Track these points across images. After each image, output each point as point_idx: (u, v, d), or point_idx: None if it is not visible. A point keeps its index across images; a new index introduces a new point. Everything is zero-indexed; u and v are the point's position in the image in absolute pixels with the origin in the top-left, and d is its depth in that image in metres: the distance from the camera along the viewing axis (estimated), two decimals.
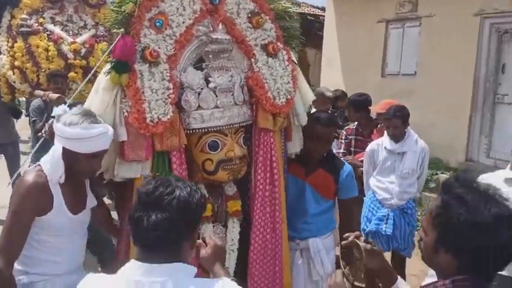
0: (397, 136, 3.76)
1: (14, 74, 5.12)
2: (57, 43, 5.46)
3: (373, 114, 4.48)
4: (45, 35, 5.44)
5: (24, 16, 5.36)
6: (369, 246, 1.77)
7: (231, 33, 2.37)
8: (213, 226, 2.41)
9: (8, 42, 5.25)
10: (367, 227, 3.93)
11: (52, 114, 2.09)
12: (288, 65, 2.49)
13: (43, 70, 5.25)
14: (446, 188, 1.38)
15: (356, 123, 4.53)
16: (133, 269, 1.42)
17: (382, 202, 3.86)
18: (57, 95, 4.42)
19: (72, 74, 5.36)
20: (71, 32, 5.78)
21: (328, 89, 5.40)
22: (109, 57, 2.19)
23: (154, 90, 2.13)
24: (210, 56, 2.29)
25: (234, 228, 2.47)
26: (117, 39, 2.08)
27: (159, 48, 2.17)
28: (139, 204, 1.43)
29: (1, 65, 5.13)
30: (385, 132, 3.88)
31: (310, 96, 2.70)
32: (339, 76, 8.97)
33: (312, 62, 12.46)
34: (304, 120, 2.63)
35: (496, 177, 2.79)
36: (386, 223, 3.80)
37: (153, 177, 1.53)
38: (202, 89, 2.26)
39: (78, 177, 2.14)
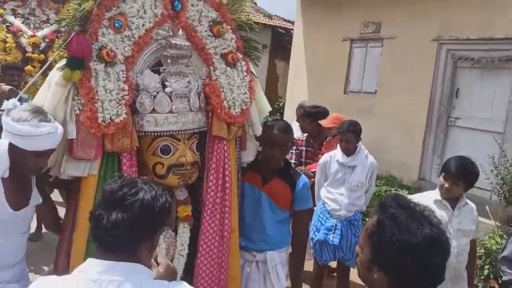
0: (349, 150, 3.88)
1: None
2: (16, 35, 5.37)
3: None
4: (4, 26, 5.33)
5: None
6: None
7: (191, 40, 2.37)
8: (163, 230, 2.39)
9: None
10: (315, 236, 4.00)
11: (1, 108, 2.04)
12: (246, 76, 2.51)
13: None
14: (383, 207, 1.40)
15: (306, 134, 4.69)
16: (91, 266, 1.39)
17: (331, 213, 3.94)
18: (9, 87, 4.32)
19: (29, 67, 5.27)
20: (32, 25, 5.68)
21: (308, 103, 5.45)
22: (64, 52, 2.16)
23: (108, 91, 2.11)
24: (169, 60, 2.29)
25: (184, 234, 2.45)
26: (71, 36, 2.06)
27: (116, 48, 2.16)
28: (102, 202, 1.43)
29: None
30: (338, 145, 4.00)
31: (267, 107, 2.71)
32: (304, 89, 9.12)
33: (281, 74, 12.61)
34: (258, 131, 2.63)
35: (427, 199, 2.86)
36: (334, 233, 3.88)
37: (120, 177, 1.51)
38: (158, 92, 2.25)
39: (23, 173, 2.09)
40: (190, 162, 2.30)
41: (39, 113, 1.99)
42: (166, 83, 2.28)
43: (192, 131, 2.33)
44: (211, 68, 2.43)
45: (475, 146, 6.03)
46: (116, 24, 2.14)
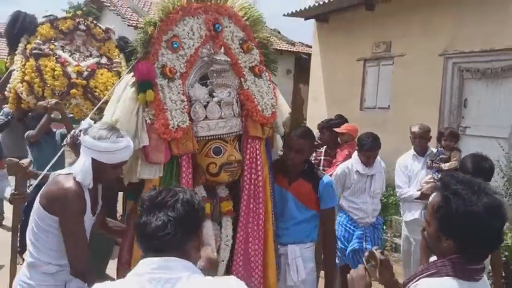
0: (373, 162, 4.05)
1: (22, 86, 5.48)
2: (63, 65, 5.86)
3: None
4: (54, 58, 5.83)
5: (37, 41, 5.76)
6: (383, 257, 1.88)
7: (228, 56, 2.67)
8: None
9: (21, 61, 5.62)
10: (345, 246, 4.09)
11: (80, 128, 2.29)
12: (270, 84, 2.80)
13: (48, 86, 5.63)
14: (445, 185, 1.58)
15: (325, 146, 5.02)
16: (145, 266, 1.37)
17: (357, 221, 4.07)
18: (55, 100, 4.80)
19: (73, 90, 5.71)
20: (77, 59, 6.19)
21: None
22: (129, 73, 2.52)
23: (173, 101, 2.43)
24: (215, 74, 2.61)
25: (227, 226, 2.68)
26: (134, 64, 2.39)
27: (173, 66, 2.48)
28: (144, 210, 1.42)
29: (13, 79, 5.50)
30: (354, 156, 4.17)
31: (287, 110, 2.99)
32: (323, 109, 9.40)
33: (305, 97, 12.77)
34: (281, 131, 2.94)
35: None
36: (365, 240, 4.01)
37: (154, 189, 1.54)
38: (208, 102, 2.56)
39: (101, 183, 2.34)
40: (238, 160, 2.57)
41: (115, 130, 2.21)
42: (213, 93, 2.59)
43: (235, 133, 2.63)
44: (243, 79, 2.71)
45: (484, 153, 6.19)
46: (174, 45, 2.47)
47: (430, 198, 1.64)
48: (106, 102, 2.73)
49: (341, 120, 5.29)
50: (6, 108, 5.77)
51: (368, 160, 4.01)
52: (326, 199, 2.94)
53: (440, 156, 4.50)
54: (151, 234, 1.36)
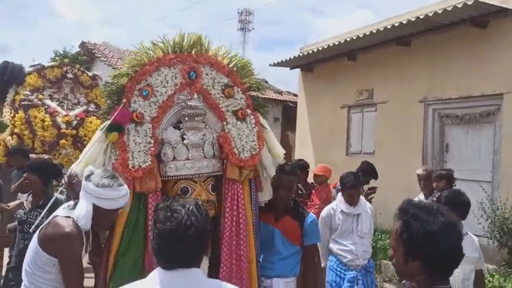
0: (357, 201, 4.00)
1: (12, 139, 5.61)
2: (52, 115, 6.01)
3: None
4: (43, 108, 5.98)
5: (26, 92, 5.94)
6: None
7: (206, 101, 2.81)
8: None
9: (10, 113, 5.76)
10: None
11: (85, 174, 2.38)
12: (254, 127, 2.86)
13: (38, 137, 5.75)
14: (403, 211, 1.69)
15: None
16: (165, 279, 1.57)
17: (347, 264, 3.95)
18: (45, 156, 4.88)
19: (63, 141, 5.87)
20: (65, 107, 6.35)
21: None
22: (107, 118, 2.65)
23: (137, 143, 2.57)
24: (186, 118, 2.74)
25: (203, 264, 2.70)
26: (119, 108, 2.54)
27: (144, 111, 2.62)
28: (164, 240, 1.58)
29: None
30: (338, 196, 4.14)
31: (281, 152, 3.03)
32: (310, 154, 9.54)
33: (293, 144, 13.00)
34: (271, 172, 2.94)
35: None
36: (357, 284, 3.89)
37: (165, 204, 1.66)
38: (178, 144, 2.67)
39: (97, 227, 2.45)
40: (205, 200, 2.62)
41: (116, 178, 2.34)
42: (184, 136, 2.70)
43: (206, 174, 2.71)
44: (224, 123, 2.83)
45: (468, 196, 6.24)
46: (144, 93, 2.63)
47: (394, 225, 1.74)
48: None
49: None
50: None
51: (352, 199, 3.99)
52: (311, 236, 3.10)
53: (433, 198, 4.60)
54: (172, 260, 1.57)
